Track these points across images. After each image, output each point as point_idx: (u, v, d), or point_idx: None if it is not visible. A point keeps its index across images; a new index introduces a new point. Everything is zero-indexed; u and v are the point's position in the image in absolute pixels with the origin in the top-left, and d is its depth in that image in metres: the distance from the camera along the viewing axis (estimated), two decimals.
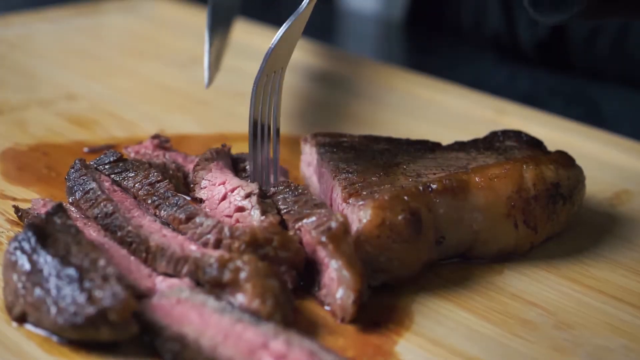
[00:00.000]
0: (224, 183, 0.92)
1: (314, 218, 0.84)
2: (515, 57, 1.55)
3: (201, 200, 0.93)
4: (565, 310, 0.84)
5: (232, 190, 0.91)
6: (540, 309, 0.84)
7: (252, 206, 0.88)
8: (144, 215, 0.88)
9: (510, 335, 0.80)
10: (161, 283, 0.81)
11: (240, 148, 1.09)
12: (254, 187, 0.91)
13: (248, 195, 0.90)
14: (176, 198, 0.89)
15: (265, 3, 1.74)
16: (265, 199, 0.90)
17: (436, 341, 0.79)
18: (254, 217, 0.87)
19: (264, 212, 0.87)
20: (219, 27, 1.17)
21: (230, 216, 0.89)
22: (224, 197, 0.91)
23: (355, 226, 0.83)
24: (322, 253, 0.82)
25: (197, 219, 0.86)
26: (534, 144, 0.97)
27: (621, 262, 0.91)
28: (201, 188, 0.93)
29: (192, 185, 0.95)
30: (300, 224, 0.84)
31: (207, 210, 0.91)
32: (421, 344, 0.79)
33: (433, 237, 0.86)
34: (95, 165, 0.94)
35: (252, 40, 1.45)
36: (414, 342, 0.79)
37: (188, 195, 0.98)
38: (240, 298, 0.78)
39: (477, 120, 1.21)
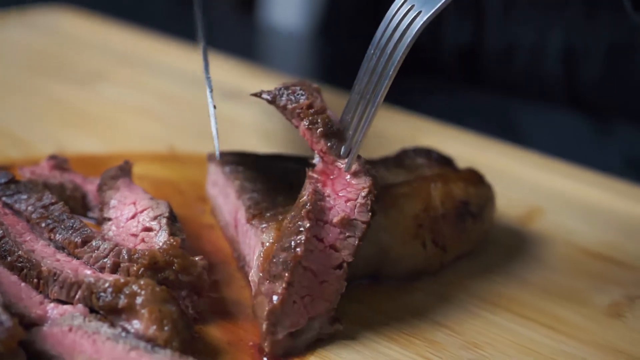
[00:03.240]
0: (134, 203, 0.93)
1: None
2: (434, 69, 1.58)
3: (108, 219, 0.93)
4: (474, 330, 0.86)
5: (142, 211, 0.91)
6: (448, 329, 0.86)
7: (160, 227, 0.89)
8: (37, 240, 0.87)
9: (416, 356, 0.82)
10: (53, 310, 0.81)
11: (144, 167, 1.09)
12: (164, 208, 0.91)
13: (157, 217, 0.90)
14: (72, 221, 0.89)
15: (172, 16, 1.75)
16: (175, 222, 0.90)
17: None
18: (160, 238, 0.88)
19: (172, 234, 0.88)
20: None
21: (136, 235, 0.89)
22: (133, 216, 0.91)
23: (257, 249, 0.84)
24: None
25: (94, 242, 0.86)
26: (444, 162, 0.99)
27: (531, 280, 0.94)
28: (110, 208, 0.94)
29: (100, 206, 0.95)
30: None
31: (113, 228, 0.91)
32: None
33: None
34: None
35: (157, 55, 1.46)
36: None
37: (86, 216, 0.98)
38: (136, 324, 0.78)
39: (393, 139, 1.24)
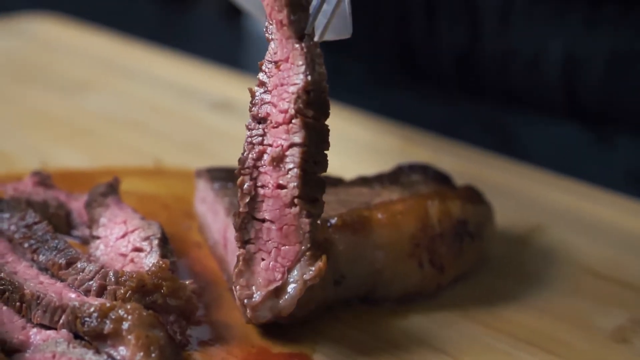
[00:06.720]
0: (125, 222, 0.92)
1: None
2: (428, 78, 1.58)
3: (97, 238, 0.92)
4: (472, 355, 0.85)
5: (133, 231, 0.91)
6: (446, 354, 0.85)
7: (152, 249, 0.88)
8: (19, 261, 0.87)
9: None
10: (36, 336, 0.80)
11: (132, 183, 1.09)
12: (156, 229, 0.90)
13: (148, 237, 0.89)
14: (56, 241, 0.88)
15: (159, 25, 1.74)
16: (167, 244, 0.89)
17: None
18: (150, 260, 0.87)
19: (163, 256, 0.87)
20: None
21: (125, 255, 0.89)
22: (123, 236, 0.91)
23: None
24: None
25: (79, 264, 0.85)
26: (441, 179, 0.99)
27: (532, 302, 0.93)
28: (100, 226, 0.93)
29: (88, 224, 0.94)
30: None
31: (102, 247, 0.90)
32: None
33: (331, 275, 0.86)
34: None
35: (146, 64, 1.45)
36: None
37: (70, 235, 0.97)
38: (122, 351, 0.77)
39: (385, 151, 1.23)
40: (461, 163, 1.18)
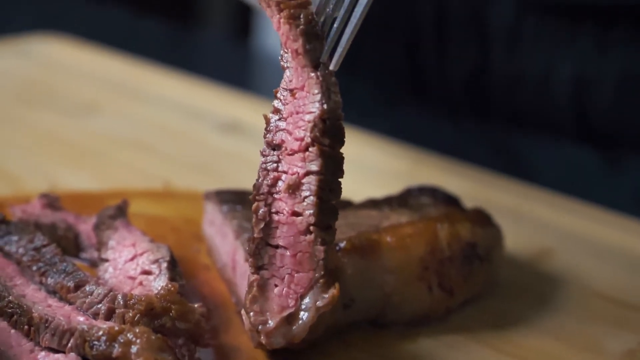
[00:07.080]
0: (134, 244, 0.92)
1: None
2: (437, 100, 1.58)
3: (106, 260, 0.92)
4: None
5: (142, 254, 0.91)
6: None
7: (160, 272, 0.89)
8: (28, 284, 0.87)
9: None
10: (44, 359, 0.80)
11: (141, 205, 1.09)
12: (164, 252, 0.91)
13: (157, 260, 0.90)
14: (64, 264, 0.88)
15: (168, 46, 1.75)
16: (175, 267, 0.90)
17: None
18: (159, 283, 0.87)
19: (172, 279, 0.87)
20: None
21: (134, 278, 0.89)
22: (132, 258, 0.91)
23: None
24: None
25: (87, 287, 0.86)
26: (450, 201, 0.99)
27: (541, 326, 0.93)
28: (108, 249, 0.93)
29: (97, 246, 0.94)
30: None
31: (110, 270, 0.90)
32: None
33: (340, 299, 0.86)
34: None
35: (153, 85, 1.46)
36: None
37: (79, 257, 0.97)
38: None
39: (394, 173, 1.23)
40: (470, 185, 1.19)
